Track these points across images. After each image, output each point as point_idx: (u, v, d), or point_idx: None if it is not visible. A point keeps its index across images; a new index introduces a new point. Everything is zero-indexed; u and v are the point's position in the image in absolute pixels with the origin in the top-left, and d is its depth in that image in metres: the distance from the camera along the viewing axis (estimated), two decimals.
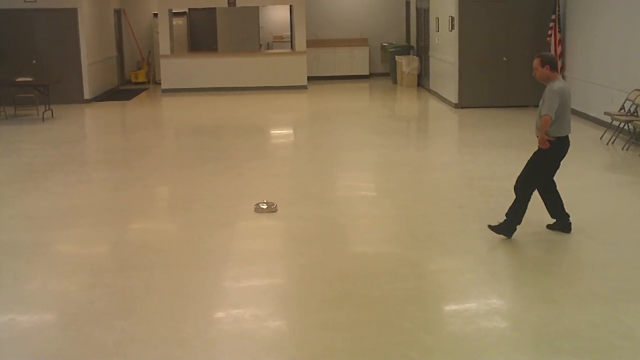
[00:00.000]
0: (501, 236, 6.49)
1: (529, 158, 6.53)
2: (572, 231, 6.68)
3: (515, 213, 6.45)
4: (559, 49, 13.53)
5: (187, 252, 6.45)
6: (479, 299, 5.53)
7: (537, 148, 6.44)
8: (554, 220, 6.72)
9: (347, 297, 5.38)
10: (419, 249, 6.43)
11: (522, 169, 6.53)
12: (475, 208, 7.55)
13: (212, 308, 5.28)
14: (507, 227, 6.46)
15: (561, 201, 6.65)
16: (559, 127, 6.28)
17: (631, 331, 4.75)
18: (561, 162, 6.52)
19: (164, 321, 5.01)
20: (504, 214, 6.51)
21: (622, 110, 10.92)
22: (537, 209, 7.46)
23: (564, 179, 9.01)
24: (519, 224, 6.46)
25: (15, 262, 6.24)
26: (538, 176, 6.49)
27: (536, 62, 6.33)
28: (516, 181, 6.51)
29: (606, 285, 5.51)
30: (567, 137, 6.38)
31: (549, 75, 6.29)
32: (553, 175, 6.60)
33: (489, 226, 6.53)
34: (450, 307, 5.35)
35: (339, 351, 4.56)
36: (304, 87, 17.96)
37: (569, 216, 6.65)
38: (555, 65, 6.34)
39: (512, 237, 6.45)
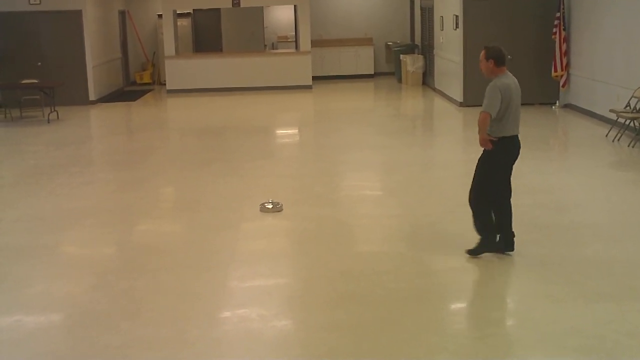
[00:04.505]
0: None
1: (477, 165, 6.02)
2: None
3: (485, 227, 6.00)
4: (564, 47, 13.51)
5: (192, 253, 6.45)
6: (483, 297, 5.52)
7: (482, 152, 5.94)
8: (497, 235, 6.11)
9: (351, 297, 5.38)
10: (423, 248, 6.42)
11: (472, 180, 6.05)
12: None
13: (217, 308, 5.29)
14: (486, 244, 5.99)
15: (510, 215, 6.06)
16: (502, 127, 5.78)
17: (636, 329, 4.74)
18: (513, 166, 6.00)
19: (169, 322, 5.02)
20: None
21: (628, 108, 10.89)
22: (537, 205, 7.46)
23: (570, 176, 9.04)
24: (497, 232, 6.00)
25: (20, 264, 6.26)
26: (489, 184, 5.95)
27: (482, 54, 5.85)
28: (469, 194, 6.05)
29: (611, 283, 5.50)
30: (513, 138, 5.87)
31: (493, 69, 5.81)
32: (506, 181, 6.03)
33: (467, 251, 6.03)
34: (455, 306, 5.35)
35: (344, 350, 4.56)
36: (309, 87, 17.96)
37: (513, 234, 6.04)
38: (501, 59, 5.79)
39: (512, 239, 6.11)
